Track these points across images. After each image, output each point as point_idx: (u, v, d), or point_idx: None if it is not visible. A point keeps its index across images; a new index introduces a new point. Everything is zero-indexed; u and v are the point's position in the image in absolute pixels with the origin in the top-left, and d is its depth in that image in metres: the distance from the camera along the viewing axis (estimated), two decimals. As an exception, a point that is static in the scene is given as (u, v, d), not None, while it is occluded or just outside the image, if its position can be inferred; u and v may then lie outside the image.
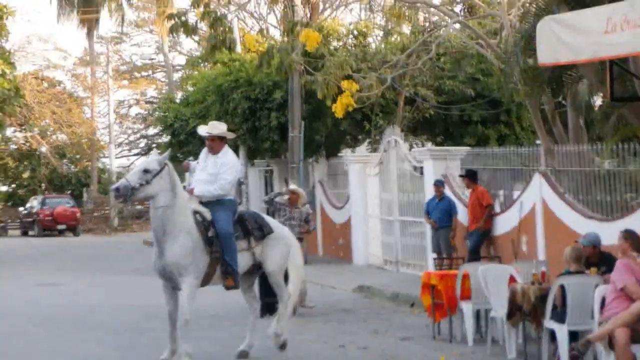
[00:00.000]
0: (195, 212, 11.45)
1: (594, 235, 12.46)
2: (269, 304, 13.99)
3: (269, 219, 12.74)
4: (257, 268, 12.23)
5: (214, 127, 12.20)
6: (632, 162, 15.83)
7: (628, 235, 10.89)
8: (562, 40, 11.22)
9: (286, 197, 17.29)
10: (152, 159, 11.53)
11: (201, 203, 11.70)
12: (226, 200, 11.80)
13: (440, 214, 18.99)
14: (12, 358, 12.84)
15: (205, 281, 11.56)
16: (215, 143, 11.89)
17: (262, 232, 11.93)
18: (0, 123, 33.52)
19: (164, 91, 54.58)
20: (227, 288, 11.76)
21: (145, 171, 11.03)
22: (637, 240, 10.71)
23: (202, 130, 12.24)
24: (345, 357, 12.43)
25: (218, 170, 11.69)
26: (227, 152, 12.01)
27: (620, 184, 15.80)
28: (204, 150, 12.24)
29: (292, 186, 18.43)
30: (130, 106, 62.43)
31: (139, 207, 53.64)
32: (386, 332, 14.22)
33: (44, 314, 16.99)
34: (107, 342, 13.88)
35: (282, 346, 12.15)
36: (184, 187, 12.34)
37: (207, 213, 11.53)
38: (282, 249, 12.24)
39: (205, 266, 11.36)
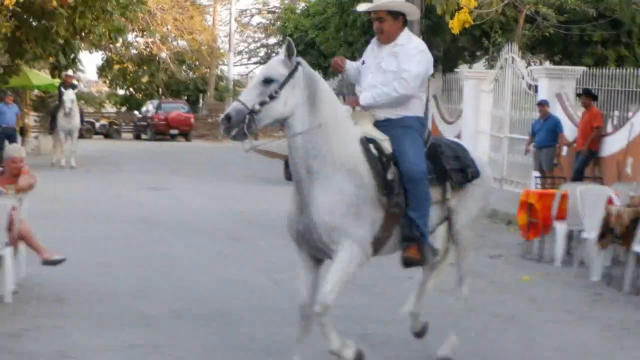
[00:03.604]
0: (367, 140, 7.08)
1: None
2: None
3: (473, 153, 7.89)
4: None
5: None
6: None
7: None
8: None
9: None
10: (275, 62, 6.90)
11: (375, 125, 7.32)
12: (413, 121, 7.35)
13: (545, 133, 18.81)
14: (105, 258, 12.75)
15: (375, 249, 7.08)
16: (387, 24, 7.33)
17: (466, 175, 7.50)
18: (122, 28, 34.02)
19: (286, 1, 54.70)
20: (407, 263, 7.23)
21: (267, 81, 6.68)
22: None
23: (364, 6, 7.68)
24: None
25: (399, 64, 7.26)
26: (409, 37, 7.50)
27: None
28: (371, 45, 7.69)
29: None
30: (252, 15, 62.48)
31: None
32: (477, 249, 14.28)
33: (145, 217, 17.02)
34: (202, 247, 13.84)
35: (421, 332, 8.16)
36: (342, 98, 8.15)
37: (386, 142, 7.14)
38: (484, 197, 7.95)
39: (379, 227, 6.98)
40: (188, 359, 8.14)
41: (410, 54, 7.26)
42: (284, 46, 6.91)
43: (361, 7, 7.71)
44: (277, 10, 54.56)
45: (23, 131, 29.02)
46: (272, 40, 51.13)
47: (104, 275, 11.54)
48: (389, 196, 6.94)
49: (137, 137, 49.69)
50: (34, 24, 29.90)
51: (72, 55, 34.31)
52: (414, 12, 7.59)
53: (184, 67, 56.21)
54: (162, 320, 9.38)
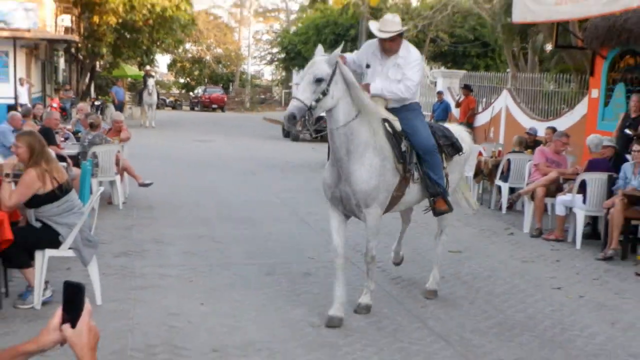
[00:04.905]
0: (384, 120, 5.53)
1: (534, 129, 12.73)
2: None
3: (457, 131, 6.42)
4: None
5: (391, 24, 5.59)
6: (565, 86, 15.70)
7: (550, 130, 11.08)
8: (529, 8, 11.01)
9: None
10: (320, 62, 5.11)
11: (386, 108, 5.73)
12: (416, 105, 5.88)
13: (441, 112, 18.54)
14: (175, 183, 12.79)
15: (389, 207, 5.70)
16: (396, 42, 5.63)
17: (455, 149, 6.13)
18: (182, 40, 33.77)
19: (284, 25, 53.85)
20: (438, 212, 5.98)
21: (318, 81, 5.03)
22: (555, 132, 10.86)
23: (377, 32, 5.61)
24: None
25: (403, 72, 5.64)
26: (408, 48, 5.73)
27: (555, 98, 15.67)
28: (372, 50, 5.75)
29: None
30: (262, 34, 61.63)
31: (262, 96, 53.71)
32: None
33: (196, 159, 16.83)
34: (232, 178, 13.79)
35: (399, 262, 7.04)
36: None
37: (396, 122, 5.65)
38: (462, 164, 6.60)
39: (393, 190, 5.57)
40: (233, 243, 8.19)
41: (411, 65, 5.61)
42: (337, 50, 5.18)
43: (380, 35, 5.60)
44: (278, 31, 53.70)
45: (122, 104, 28.67)
46: (275, 50, 50.30)
47: (175, 194, 11.58)
48: (403, 164, 5.50)
49: (192, 109, 48.27)
50: (128, 36, 29.49)
51: (151, 57, 34.03)
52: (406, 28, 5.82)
53: (220, 65, 55.34)
54: (215, 221, 9.45)
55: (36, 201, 5.55)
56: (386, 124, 5.51)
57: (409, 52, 5.67)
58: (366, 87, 5.55)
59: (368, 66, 5.78)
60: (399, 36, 5.61)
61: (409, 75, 5.61)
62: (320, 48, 5.17)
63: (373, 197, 5.34)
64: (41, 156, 5.54)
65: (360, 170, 5.27)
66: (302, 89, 5.06)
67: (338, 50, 5.16)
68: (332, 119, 5.19)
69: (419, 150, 5.62)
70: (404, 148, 5.55)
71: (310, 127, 5.21)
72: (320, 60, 5.10)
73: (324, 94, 5.04)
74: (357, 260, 7.28)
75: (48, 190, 5.52)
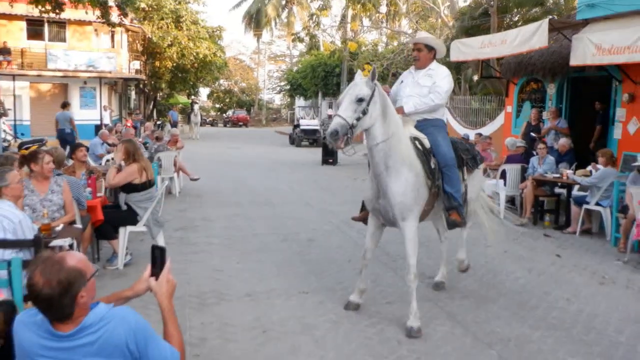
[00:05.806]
0: (414, 139, 4.21)
1: (467, 134, 12.60)
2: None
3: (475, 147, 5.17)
4: None
5: (420, 36, 4.53)
6: (488, 104, 15.61)
7: (478, 135, 10.98)
8: (461, 50, 10.87)
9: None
10: (360, 83, 3.76)
11: (416, 127, 4.38)
12: (441, 121, 4.45)
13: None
14: (215, 177, 12.61)
15: (422, 218, 4.29)
16: (422, 54, 4.42)
17: (476, 162, 4.75)
18: (217, 77, 33.62)
19: (289, 66, 53.46)
20: (452, 224, 4.29)
21: (360, 100, 3.71)
22: (481, 136, 10.69)
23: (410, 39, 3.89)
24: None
25: (433, 81, 4.35)
26: (438, 65, 4.46)
27: (481, 114, 15.57)
28: (408, 71, 4.57)
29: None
30: (274, 72, 61.04)
31: (274, 116, 53.35)
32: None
33: (229, 160, 16.67)
34: (257, 173, 13.59)
35: (465, 270, 5.28)
36: None
37: (425, 140, 4.28)
38: (481, 176, 5.01)
39: (426, 202, 4.20)
40: (258, 219, 8.02)
41: (440, 75, 4.35)
42: (357, 74, 3.93)
43: (411, 41, 4.29)
44: (284, 70, 53.30)
45: (176, 123, 28.48)
46: (282, 83, 49.87)
47: (216, 185, 11.37)
48: (432, 180, 4.17)
49: (225, 125, 47.14)
50: (180, 75, 29.30)
51: (196, 89, 33.81)
52: (441, 50, 4.47)
53: (244, 94, 54.95)
54: (245, 204, 9.25)
55: (130, 188, 5.52)
56: (416, 142, 4.22)
57: (439, 67, 4.46)
58: (399, 110, 4.28)
59: (402, 82, 4.59)
60: (427, 49, 4.43)
61: (438, 83, 4.35)
62: (360, 73, 3.97)
63: (409, 209, 4.05)
64: (136, 156, 5.54)
65: (396, 184, 4.00)
66: (344, 108, 3.75)
67: (373, 71, 3.91)
68: (370, 137, 3.92)
69: (439, 163, 4.25)
70: (432, 165, 4.21)
71: (350, 143, 3.79)
72: (361, 82, 3.83)
73: (364, 113, 3.78)
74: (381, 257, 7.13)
75: (141, 182, 5.52)
